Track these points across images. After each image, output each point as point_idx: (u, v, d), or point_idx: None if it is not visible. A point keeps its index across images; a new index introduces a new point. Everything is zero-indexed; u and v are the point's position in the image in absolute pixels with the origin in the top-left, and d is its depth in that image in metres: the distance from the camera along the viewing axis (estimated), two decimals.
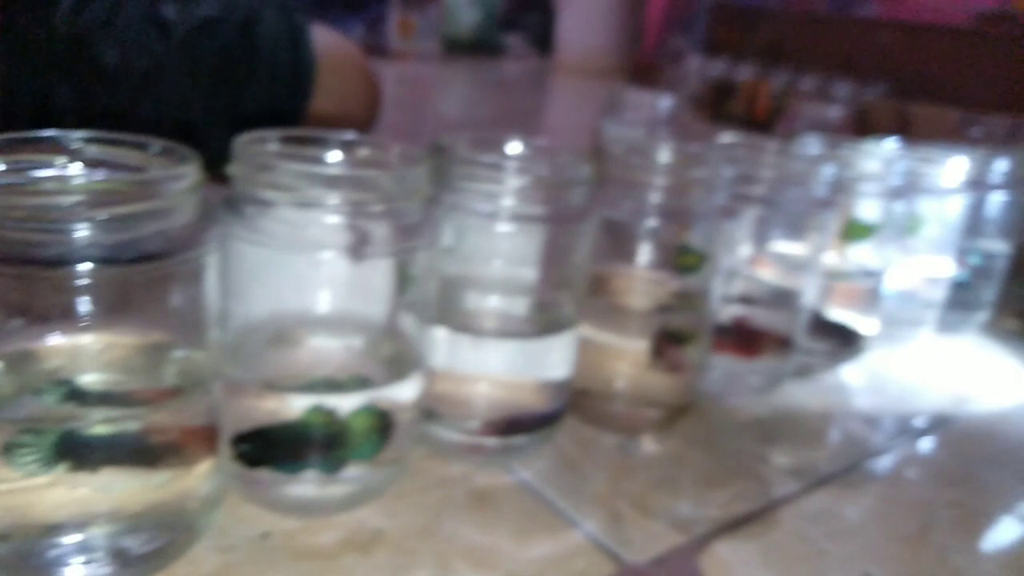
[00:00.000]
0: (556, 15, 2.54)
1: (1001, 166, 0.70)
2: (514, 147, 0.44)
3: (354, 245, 0.34)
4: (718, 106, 1.76)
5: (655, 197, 0.45)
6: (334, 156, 0.37)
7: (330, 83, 0.80)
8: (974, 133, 1.16)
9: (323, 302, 0.36)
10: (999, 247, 0.73)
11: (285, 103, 0.78)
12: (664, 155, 0.47)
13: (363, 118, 0.87)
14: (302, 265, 0.35)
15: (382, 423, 0.35)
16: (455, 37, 2.67)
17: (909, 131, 1.54)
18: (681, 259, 0.48)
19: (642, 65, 2.23)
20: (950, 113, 1.37)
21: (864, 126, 1.56)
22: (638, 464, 0.45)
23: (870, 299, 0.60)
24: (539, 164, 0.42)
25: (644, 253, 0.47)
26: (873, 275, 0.60)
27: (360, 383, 0.36)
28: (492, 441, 0.42)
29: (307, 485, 0.35)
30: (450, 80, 2.35)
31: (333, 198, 0.33)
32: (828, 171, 0.52)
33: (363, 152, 0.37)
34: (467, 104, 1.99)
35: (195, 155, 0.31)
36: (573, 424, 0.48)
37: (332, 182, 0.33)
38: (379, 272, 0.36)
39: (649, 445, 0.47)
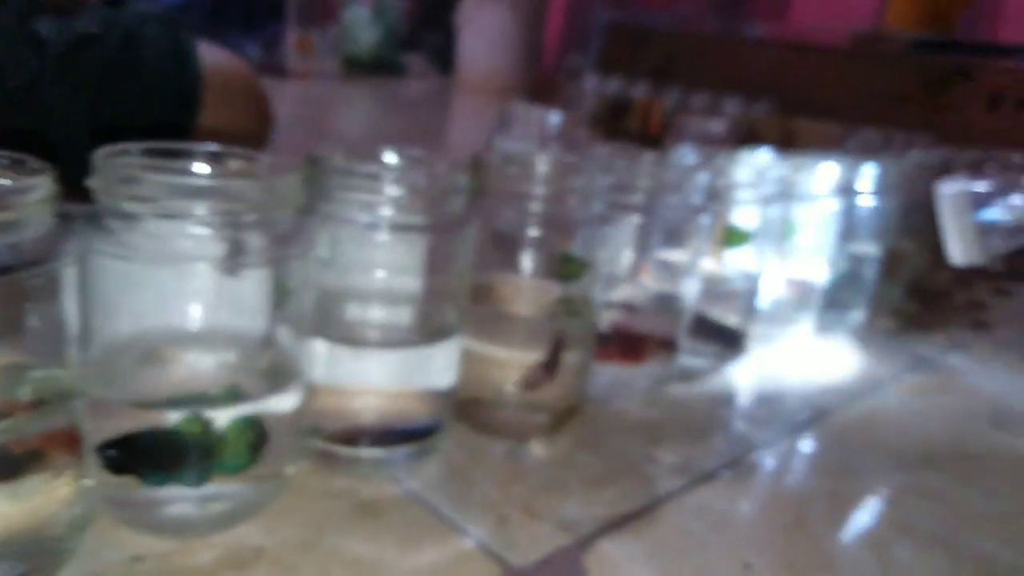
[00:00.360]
0: (456, 35, 2.56)
1: (870, 172, 0.75)
2: (390, 157, 0.44)
3: (225, 257, 0.34)
4: (614, 123, 1.80)
5: (535, 207, 0.46)
6: (200, 167, 0.37)
7: (218, 100, 0.79)
8: (852, 145, 1.23)
9: (195, 316, 0.35)
10: (870, 250, 0.77)
11: (171, 120, 0.76)
12: (542, 165, 0.49)
13: (254, 135, 0.86)
14: (171, 278, 0.34)
15: (255, 437, 0.34)
16: (355, 57, 2.65)
17: (793, 144, 1.62)
18: (564, 267, 0.49)
19: (542, 83, 2.27)
20: (830, 127, 1.45)
21: (752, 140, 1.63)
22: (527, 469, 0.46)
23: (749, 302, 0.63)
24: (416, 174, 0.42)
25: (528, 262, 0.48)
26: (752, 279, 0.62)
27: (232, 396, 0.35)
28: (375, 452, 0.42)
29: (181, 504, 0.34)
30: (351, 99, 2.33)
31: (200, 209, 0.32)
32: (703, 179, 0.54)
33: (232, 163, 0.37)
34: (368, 122, 1.99)
35: (49, 167, 0.30)
36: (463, 433, 0.48)
37: (199, 193, 0.33)
38: (253, 284, 0.36)
39: (538, 450, 0.48)
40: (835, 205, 0.72)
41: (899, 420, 0.60)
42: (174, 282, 0.34)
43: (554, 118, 0.79)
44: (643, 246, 0.55)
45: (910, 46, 1.66)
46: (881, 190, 0.77)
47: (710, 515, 0.44)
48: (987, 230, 0.47)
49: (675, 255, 0.56)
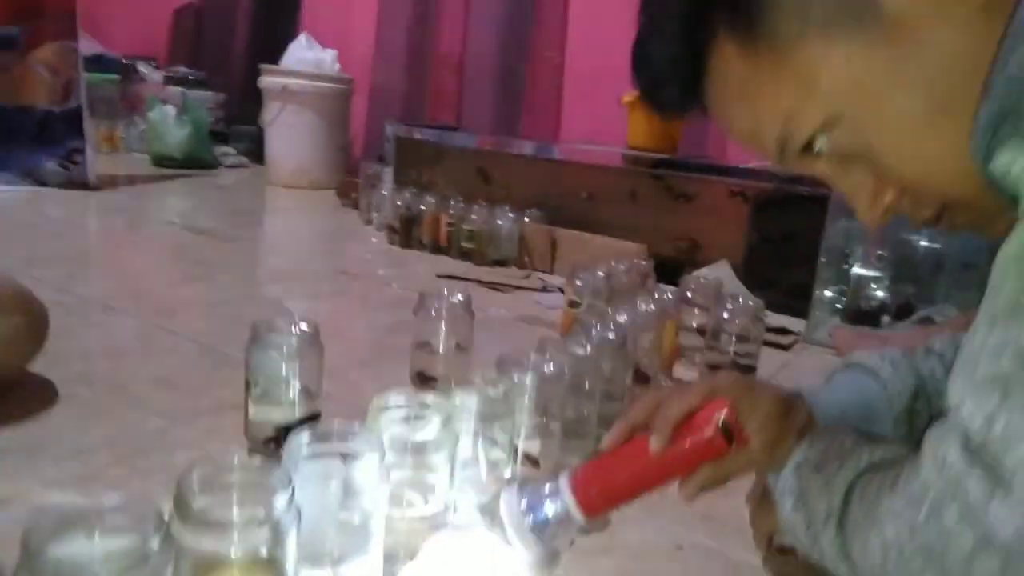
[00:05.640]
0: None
1: None
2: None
3: None
4: (407, 233, 1.87)
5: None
6: None
7: None
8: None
9: None
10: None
11: None
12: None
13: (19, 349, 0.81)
14: None
15: None
16: (165, 154, 2.57)
17: (556, 250, 1.74)
18: None
19: (348, 186, 2.29)
20: (586, 235, 1.55)
21: (522, 247, 1.75)
22: None
23: None
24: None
25: None
26: None
27: None
28: None
29: None
30: (161, 197, 2.25)
31: None
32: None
33: None
34: (179, 213, 1.97)
35: None
36: None
37: None
38: None
39: None
40: None
41: None
42: None
43: None
44: None
45: (648, 165, 1.82)
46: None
47: None
48: (540, 528, 0.57)
49: None
